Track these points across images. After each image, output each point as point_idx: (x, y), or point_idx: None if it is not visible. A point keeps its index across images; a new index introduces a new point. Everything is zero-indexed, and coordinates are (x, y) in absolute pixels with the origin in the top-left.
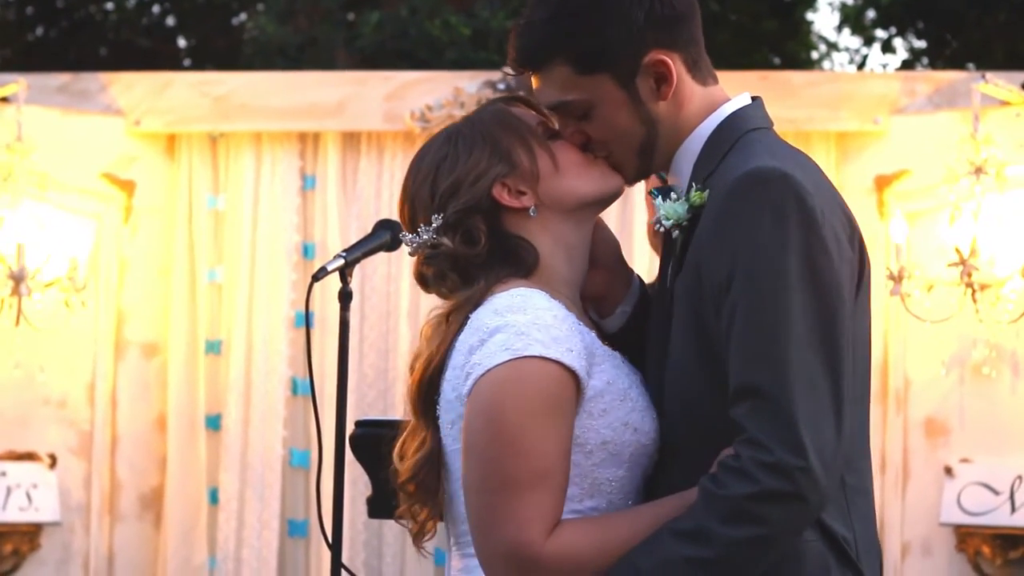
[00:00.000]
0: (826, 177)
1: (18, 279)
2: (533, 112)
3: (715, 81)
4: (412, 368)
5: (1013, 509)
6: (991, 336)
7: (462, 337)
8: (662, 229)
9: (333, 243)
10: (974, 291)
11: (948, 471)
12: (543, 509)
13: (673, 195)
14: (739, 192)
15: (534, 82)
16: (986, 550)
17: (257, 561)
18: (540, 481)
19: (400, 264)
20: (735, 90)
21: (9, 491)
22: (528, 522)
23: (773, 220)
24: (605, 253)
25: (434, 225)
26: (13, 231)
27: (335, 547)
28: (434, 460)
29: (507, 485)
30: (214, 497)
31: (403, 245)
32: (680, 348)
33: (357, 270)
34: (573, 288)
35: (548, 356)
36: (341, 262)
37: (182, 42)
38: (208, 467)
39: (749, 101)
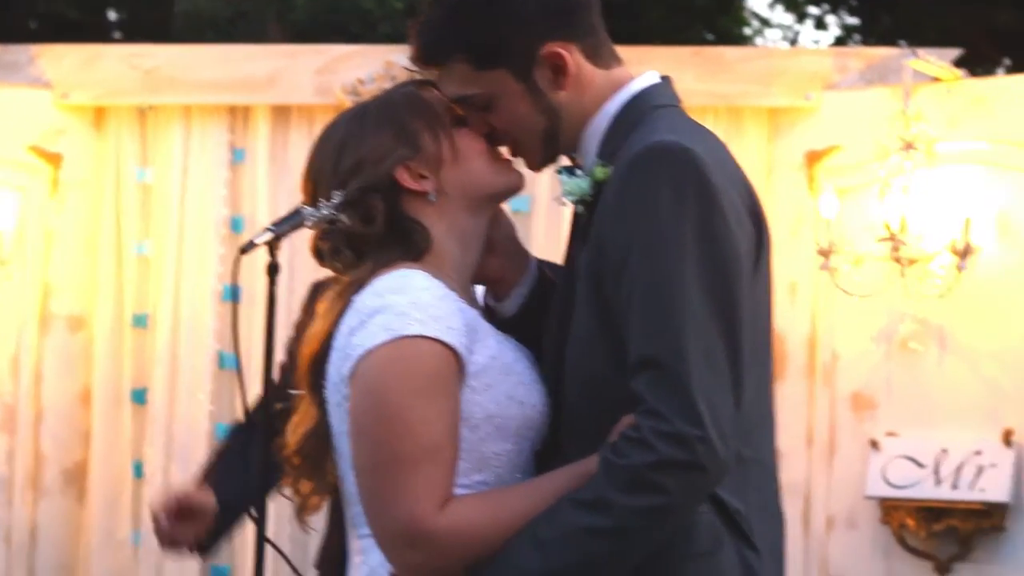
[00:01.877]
0: (730, 153)
1: None
2: (443, 97)
3: (619, 64)
4: (305, 344)
5: (937, 482)
6: (919, 311)
7: (345, 319)
8: (564, 205)
9: (262, 217)
10: (903, 266)
11: (874, 445)
12: (433, 484)
13: (579, 172)
14: (638, 166)
15: (437, 77)
16: (910, 523)
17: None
18: (428, 456)
19: None
20: (668, 67)
21: None
22: (419, 498)
23: (671, 193)
24: (501, 237)
25: (334, 201)
26: None
27: (259, 521)
28: (319, 435)
29: (396, 463)
30: (139, 471)
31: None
32: (583, 323)
33: (286, 244)
34: (464, 273)
35: (427, 334)
36: (269, 236)
37: (112, 15)
38: (133, 441)
39: (657, 80)
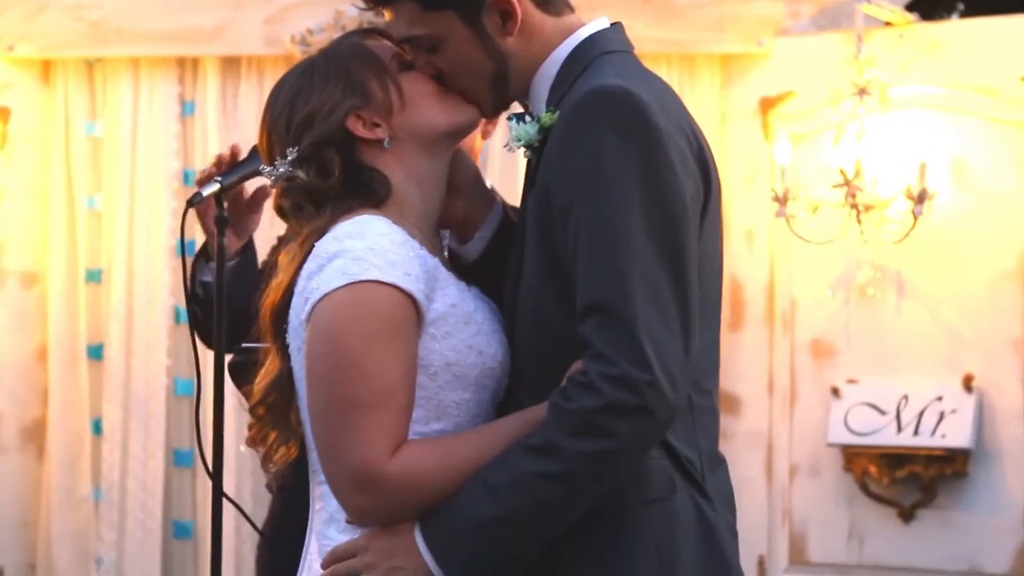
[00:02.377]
0: (677, 99)
1: None
2: (389, 44)
3: (571, 10)
4: (267, 294)
5: (899, 429)
6: (876, 257)
7: (306, 264)
8: (513, 151)
9: None
10: (859, 212)
11: (835, 392)
12: (386, 429)
13: (528, 119)
14: (582, 110)
15: (386, 16)
16: (873, 469)
17: (142, 492)
18: (382, 401)
19: None
20: (618, 13)
21: None
22: (371, 441)
23: (616, 136)
24: (463, 178)
25: (290, 158)
26: None
27: (216, 476)
28: (283, 384)
29: (349, 407)
30: (97, 428)
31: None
32: (532, 269)
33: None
34: (425, 219)
35: (384, 280)
36: (217, 187)
37: None
38: (91, 397)
39: (607, 25)
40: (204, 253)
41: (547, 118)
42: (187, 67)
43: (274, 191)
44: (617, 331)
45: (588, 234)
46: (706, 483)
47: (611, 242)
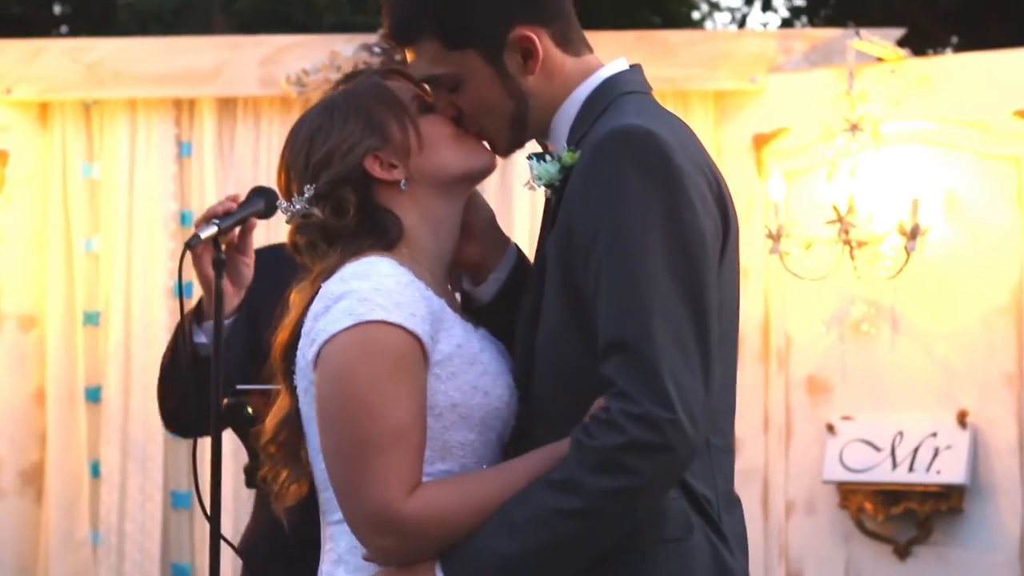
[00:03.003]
0: (696, 139)
1: None
2: (410, 85)
3: (589, 51)
4: (277, 334)
5: (894, 465)
6: (870, 293)
7: (312, 305)
8: (533, 189)
9: None
10: (852, 248)
11: (830, 429)
12: (401, 469)
13: (548, 158)
14: (604, 149)
15: (407, 55)
16: (868, 506)
17: (140, 534)
18: (395, 441)
19: (279, 231)
20: (612, 51)
21: None
22: (387, 482)
23: (638, 175)
24: (478, 221)
25: (306, 195)
26: None
27: (213, 519)
28: (293, 422)
29: (363, 447)
30: (96, 471)
31: (279, 212)
32: (553, 310)
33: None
34: (437, 260)
35: (390, 320)
36: (214, 229)
37: (56, 9)
38: (89, 440)
39: (626, 67)
40: (198, 312)
41: (568, 157)
42: (184, 108)
43: (289, 227)
44: (639, 369)
45: (610, 272)
46: (722, 523)
47: (632, 281)
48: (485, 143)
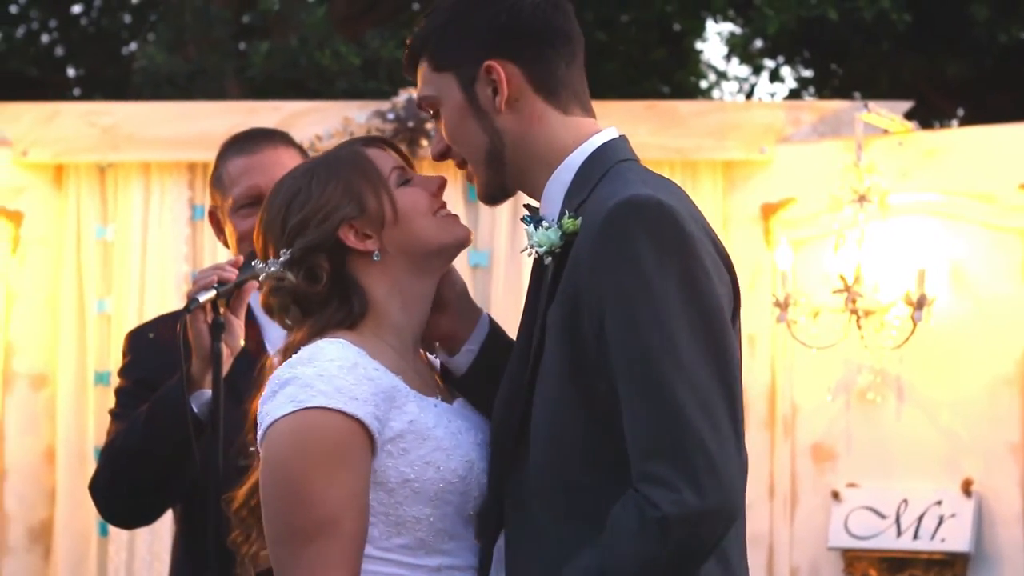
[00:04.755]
0: (695, 206)
1: None
2: (391, 155)
3: (583, 112)
4: (258, 400)
5: (899, 532)
6: (876, 362)
7: (264, 389)
8: (534, 256)
9: None
10: (859, 317)
11: (835, 496)
12: (329, 558)
13: (545, 223)
14: (616, 221)
15: (418, 83)
16: (873, 573)
17: None
18: (325, 530)
19: None
20: (622, 120)
21: None
22: (312, 572)
23: (653, 247)
24: (450, 295)
25: (282, 259)
26: None
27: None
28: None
29: (292, 536)
30: (104, 529)
31: None
32: (553, 380)
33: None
34: (405, 333)
35: (328, 406)
36: (213, 293)
37: (71, 72)
38: None
39: (616, 135)
40: (186, 383)
41: (569, 224)
42: (197, 172)
43: (263, 288)
44: (675, 441)
45: (631, 350)
46: None
47: (655, 362)
48: (461, 217)
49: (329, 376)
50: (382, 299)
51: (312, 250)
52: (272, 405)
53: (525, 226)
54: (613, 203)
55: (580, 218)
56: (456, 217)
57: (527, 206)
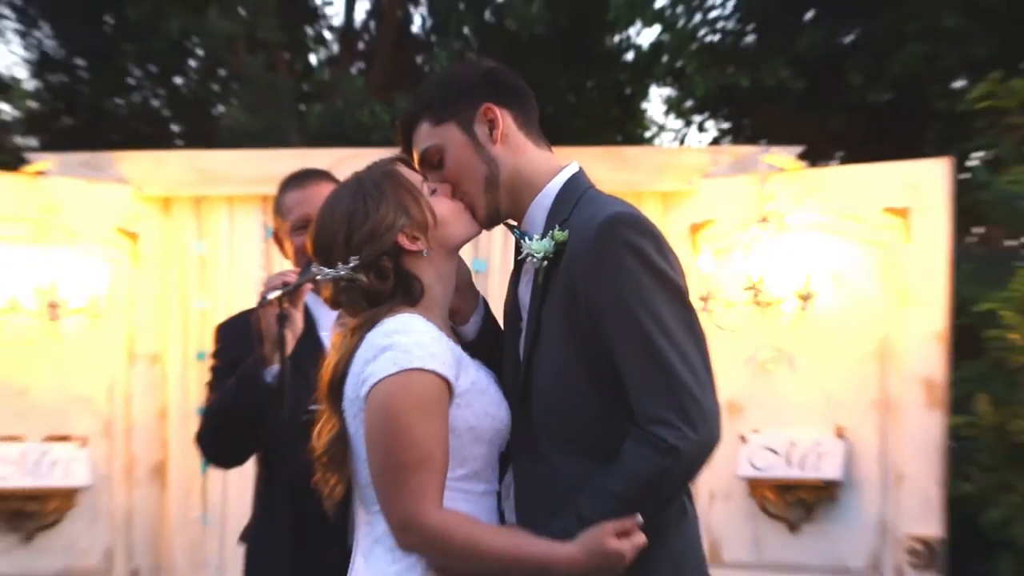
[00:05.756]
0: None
1: (53, 306)
2: (416, 173)
3: (548, 148)
4: (325, 370)
5: (789, 465)
6: (773, 341)
7: (359, 352)
8: (535, 260)
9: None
10: (763, 308)
11: (742, 439)
12: (426, 485)
13: (536, 236)
14: (607, 232)
15: (413, 142)
16: (770, 495)
17: (240, 515)
18: (423, 464)
19: None
20: (585, 161)
21: (53, 464)
22: (415, 496)
23: (635, 250)
24: (462, 280)
25: (351, 264)
26: (50, 272)
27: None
28: (341, 440)
29: (399, 468)
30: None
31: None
32: (557, 356)
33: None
34: (445, 309)
35: (426, 368)
36: (279, 292)
37: (175, 127)
38: None
39: (577, 169)
40: (260, 360)
41: (560, 236)
42: (268, 202)
43: (330, 288)
44: (671, 387)
45: (629, 317)
46: (689, 499)
47: (648, 333)
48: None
49: (423, 344)
50: (431, 284)
51: (379, 255)
52: (376, 366)
53: (518, 238)
54: (603, 217)
55: (566, 232)
56: (469, 214)
57: (508, 224)
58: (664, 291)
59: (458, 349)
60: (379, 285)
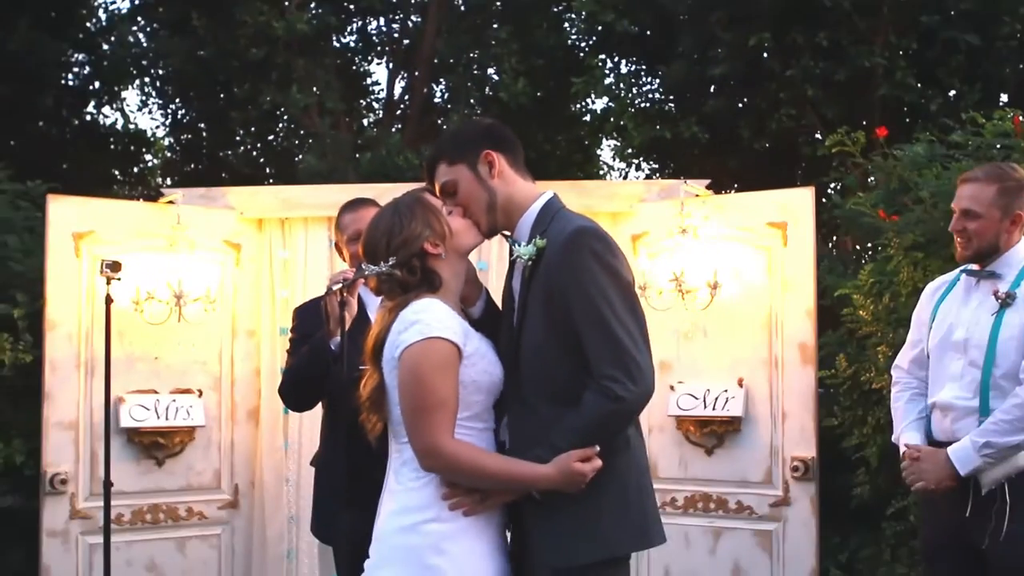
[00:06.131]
0: None
1: (179, 297)
2: (436, 196)
3: (532, 180)
4: (369, 339)
5: (705, 407)
6: (692, 318)
7: (394, 325)
8: (520, 261)
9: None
10: (683, 294)
11: (671, 388)
12: (442, 423)
13: (523, 243)
14: (574, 240)
15: (435, 177)
16: (692, 428)
17: (311, 445)
18: (441, 407)
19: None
20: (559, 191)
21: (178, 409)
22: (434, 430)
23: (594, 255)
24: (470, 274)
25: (390, 262)
26: (177, 272)
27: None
28: (380, 389)
29: (424, 409)
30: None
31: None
32: (537, 332)
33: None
34: (457, 296)
35: (443, 336)
36: (341, 285)
37: (268, 170)
38: None
39: (552, 195)
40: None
41: (540, 243)
42: (332, 222)
43: (375, 280)
44: (620, 364)
45: (590, 318)
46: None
47: (602, 304)
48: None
49: (440, 319)
50: (448, 278)
51: (410, 257)
52: (407, 335)
53: (511, 245)
54: (571, 229)
55: (545, 240)
56: (476, 228)
57: (503, 234)
58: (615, 284)
59: (466, 324)
60: (410, 278)
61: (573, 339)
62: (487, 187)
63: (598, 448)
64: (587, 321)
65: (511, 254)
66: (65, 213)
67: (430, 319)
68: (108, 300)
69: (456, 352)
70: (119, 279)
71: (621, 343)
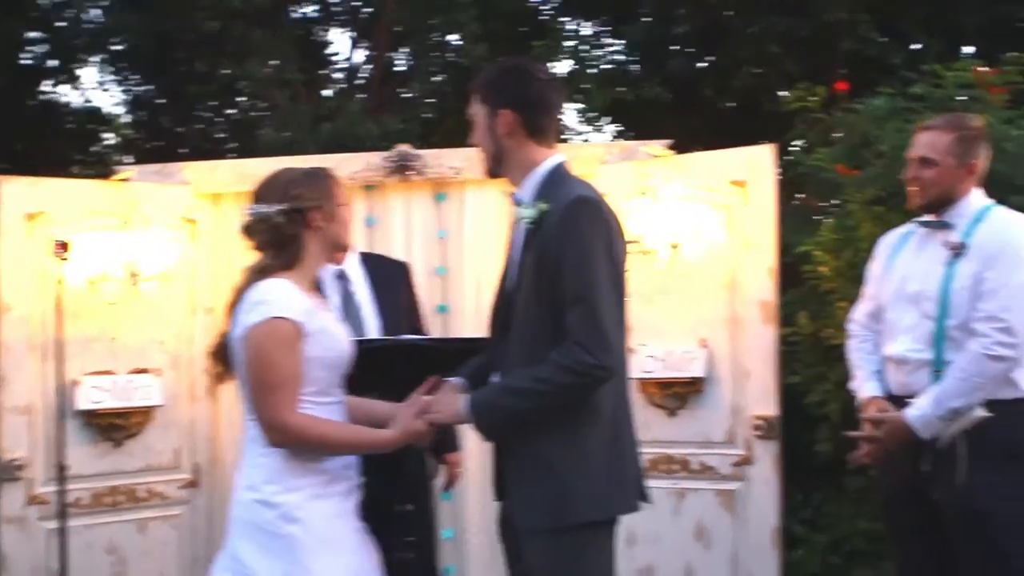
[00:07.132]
0: (604, 199)
1: (135, 275)
2: (345, 187)
3: (548, 145)
4: (226, 307)
5: (667, 368)
6: (653, 279)
7: (243, 305)
8: (524, 223)
9: None
10: (644, 255)
11: (633, 350)
12: (286, 398)
13: (527, 204)
14: (572, 209)
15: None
16: (654, 390)
17: None
18: (283, 384)
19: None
20: None
21: (136, 389)
22: (278, 406)
23: (588, 226)
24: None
25: (276, 208)
26: (132, 250)
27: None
28: (224, 342)
29: (267, 386)
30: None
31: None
32: (529, 295)
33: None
34: (313, 275)
35: (283, 315)
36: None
37: (229, 145)
38: None
39: (563, 159)
40: None
41: (543, 206)
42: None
43: (248, 221)
44: (592, 333)
45: (576, 276)
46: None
47: (588, 282)
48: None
49: (283, 300)
50: (309, 256)
51: (296, 212)
52: (251, 316)
53: (515, 203)
54: (570, 199)
55: (548, 204)
56: (351, 231)
57: (512, 195)
58: (604, 257)
59: (310, 303)
60: (285, 228)
61: (559, 305)
62: (497, 140)
63: (449, 380)
64: (573, 292)
65: (516, 215)
66: (17, 194)
67: (273, 299)
68: (58, 281)
69: (297, 330)
70: (67, 259)
71: (600, 320)
